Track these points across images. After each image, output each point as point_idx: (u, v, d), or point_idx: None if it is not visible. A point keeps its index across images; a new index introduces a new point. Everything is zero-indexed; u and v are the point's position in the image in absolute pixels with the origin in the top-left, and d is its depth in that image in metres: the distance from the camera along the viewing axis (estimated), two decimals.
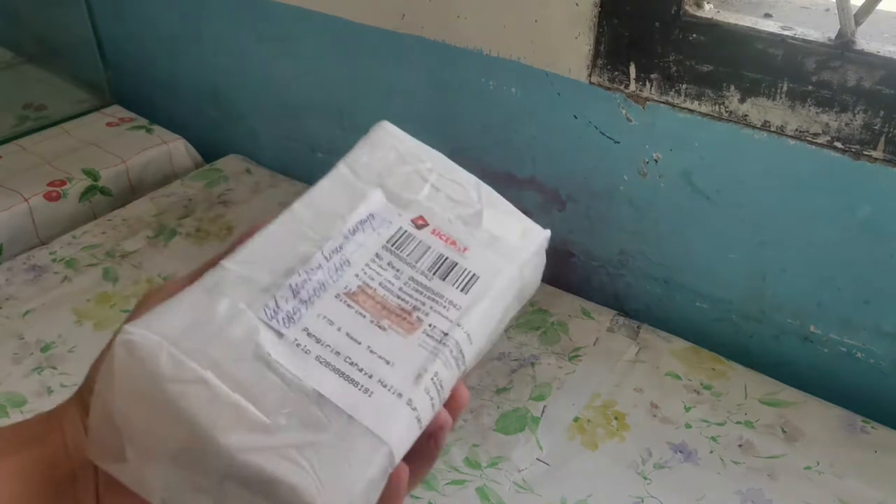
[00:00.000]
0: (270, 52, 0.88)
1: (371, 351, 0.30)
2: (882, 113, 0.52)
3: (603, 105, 0.65)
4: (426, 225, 0.35)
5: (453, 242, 0.35)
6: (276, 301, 0.29)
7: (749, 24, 0.55)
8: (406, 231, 0.34)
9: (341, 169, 0.35)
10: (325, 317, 0.30)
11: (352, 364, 0.29)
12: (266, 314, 0.29)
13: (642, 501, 0.53)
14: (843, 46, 0.52)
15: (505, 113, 0.71)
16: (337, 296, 0.31)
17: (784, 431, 0.59)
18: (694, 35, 0.57)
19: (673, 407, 0.61)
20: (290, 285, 0.30)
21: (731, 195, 0.62)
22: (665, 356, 0.66)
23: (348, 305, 0.31)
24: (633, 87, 0.62)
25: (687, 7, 0.57)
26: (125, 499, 0.29)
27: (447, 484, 0.54)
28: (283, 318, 0.29)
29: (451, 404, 0.31)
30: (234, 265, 0.30)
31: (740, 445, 0.58)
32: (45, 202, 0.84)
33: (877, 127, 0.53)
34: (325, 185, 0.34)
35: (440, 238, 0.35)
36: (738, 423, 0.59)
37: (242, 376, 0.27)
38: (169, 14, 0.97)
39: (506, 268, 0.36)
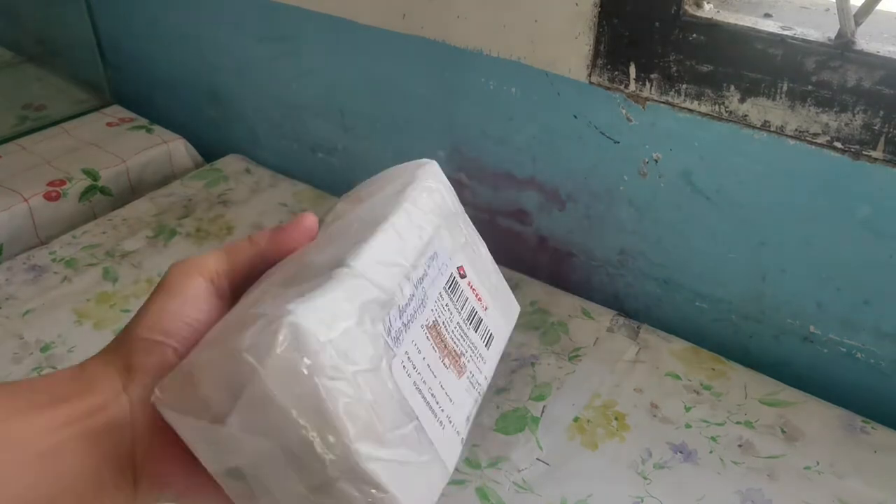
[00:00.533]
0: (270, 52, 0.88)
1: (441, 386, 0.32)
2: (882, 113, 0.52)
3: (603, 105, 0.65)
4: (465, 276, 0.37)
5: (479, 298, 0.37)
6: (390, 318, 0.30)
7: (749, 24, 0.55)
8: (455, 277, 0.36)
9: (406, 206, 0.35)
10: (415, 344, 0.31)
11: (432, 395, 0.31)
12: (384, 329, 0.30)
13: (642, 501, 0.53)
14: (842, 46, 0.52)
15: (505, 113, 0.71)
16: (422, 326, 0.32)
17: (784, 431, 0.59)
18: (694, 35, 0.57)
19: (673, 407, 0.61)
20: (399, 305, 0.31)
21: (731, 195, 0.62)
22: (665, 356, 0.66)
23: (427, 338, 0.32)
24: (633, 87, 0.62)
25: (687, 7, 0.57)
26: (163, 456, 0.30)
27: (447, 484, 0.54)
28: (393, 337, 0.30)
29: None
30: (364, 271, 0.30)
31: (740, 445, 0.58)
32: (45, 202, 0.84)
33: (876, 127, 0.53)
34: (401, 217, 0.34)
35: (473, 291, 0.37)
36: (737, 423, 0.59)
37: (372, 387, 0.28)
38: (169, 14, 0.97)
39: (506, 334, 0.38)
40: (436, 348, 0.32)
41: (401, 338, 0.30)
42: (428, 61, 0.74)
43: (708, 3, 0.58)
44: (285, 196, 0.88)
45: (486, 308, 0.37)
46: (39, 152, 0.92)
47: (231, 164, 0.95)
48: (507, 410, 0.60)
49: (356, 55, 0.79)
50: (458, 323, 0.34)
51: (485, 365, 0.35)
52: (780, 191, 0.60)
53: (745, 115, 0.58)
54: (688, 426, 0.59)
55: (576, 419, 0.60)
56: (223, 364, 0.27)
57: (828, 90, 0.53)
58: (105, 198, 0.89)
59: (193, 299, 0.32)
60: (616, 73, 0.62)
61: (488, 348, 0.36)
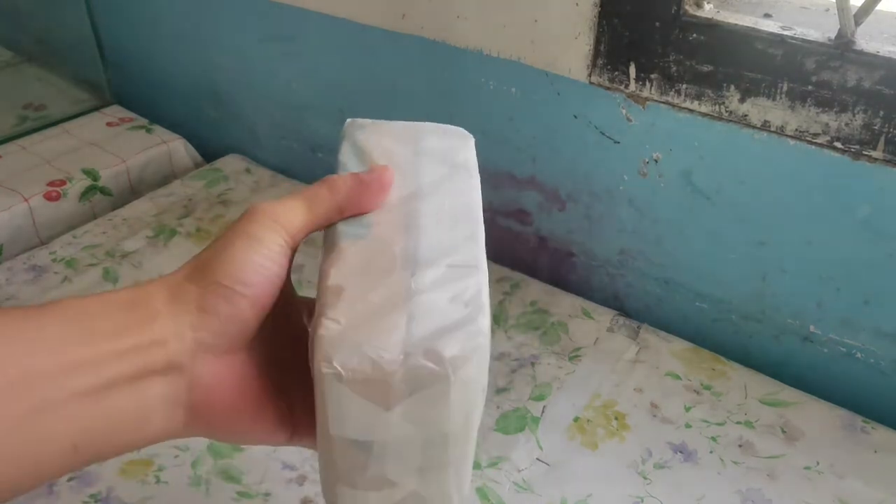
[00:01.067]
0: (271, 52, 0.88)
1: None
2: (882, 113, 0.52)
3: (603, 105, 0.65)
4: None
5: None
6: None
7: (749, 24, 0.55)
8: None
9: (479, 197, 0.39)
10: None
11: None
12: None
13: (642, 501, 0.53)
14: (842, 46, 0.52)
15: (505, 113, 0.71)
16: None
17: (784, 431, 0.59)
18: (694, 35, 0.57)
19: (673, 407, 0.61)
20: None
21: (731, 195, 0.62)
22: (665, 356, 0.66)
23: None
24: (633, 86, 0.62)
25: (687, 7, 0.57)
26: (218, 399, 0.31)
27: None
28: None
29: None
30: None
31: (740, 445, 0.58)
32: (45, 202, 0.84)
33: (877, 127, 0.53)
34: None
35: None
36: (738, 423, 0.59)
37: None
38: (169, 14, 0.97)
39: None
40: None
41: None
42: (428, 61, 0.74)
43: (708, 3, 0.58)
44: (285, 196, 0.88)
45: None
46: (39, 152, 0.92)
47: (231, 164, 0.95)
48: (507, 410, 0.60)
49: (356, 55, 0.79)
50: None
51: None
52: (781, 191, 0.60)
53: (745, 115, 0.58)
54: (688, 426, 0.59)
55: (576, 419, 0.60)
56: (417, 364, 0.29)
57: (828, 90, 0.53)
58: (105, 198, 0.89)
59: (276, 255, 0.32)
60: (616, 73, 0.62)
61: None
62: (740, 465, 0.56)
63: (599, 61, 0.63)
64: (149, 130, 0.98)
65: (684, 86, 0.59)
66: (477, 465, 0.55)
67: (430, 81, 0.75)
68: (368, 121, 0.43)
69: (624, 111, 0.64)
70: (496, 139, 0.73)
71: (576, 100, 0.66)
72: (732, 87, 0.57)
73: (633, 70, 0.61)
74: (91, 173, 0.89)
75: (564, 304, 0.72)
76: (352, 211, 0.35)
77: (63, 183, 0.86)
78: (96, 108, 1.03)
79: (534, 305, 0.72)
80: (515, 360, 0.65)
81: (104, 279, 0.74)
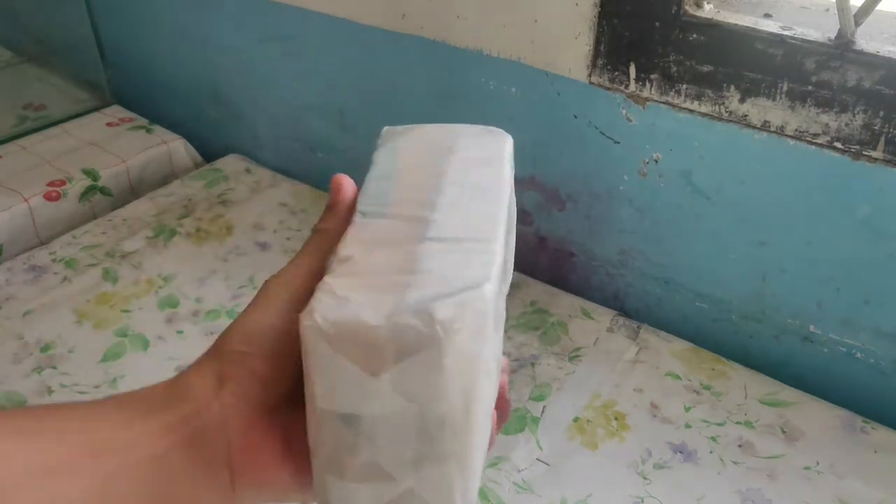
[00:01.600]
0: (271, 52, 0.88)
1: None
2: (882, 113, 0.52)
3: (603, 105, 0.65)
4: None
5: None
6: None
7: (749, 24, 0.55)
8: None
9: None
10: None
11: None
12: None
13: (642, 501, 0.53)
14: (842, 46, 0.52)
15: (505, 113, 0.71)
16: None
17: (784, 431, 0.59)
18: (694, 35, 0.57)
19: (673, 407, 0.61)
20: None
21: (731, 195, 0.62)
22: (665, 356, 0.66)
23: None
24: (633, 87, 0.62)
25: (687, 7, 0.57)
26: (257, 457, 0.32)
27: None
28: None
29: None
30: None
31: (740, 445, 0.58)
32: (45, 202, 0.84)
33: (877, 127, 0.53)
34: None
35: None
36: (737, 423, 0.59)
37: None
38: (169, 14, 0.97)
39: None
40: None
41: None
42: (428, 61, 0.74)
43: (708, 3, 0.58)
44: (285, 196, 0.88)
45: None
46: (39, 152, 0.92)
47: (231, 164, 0.95)
48: None
49: (356, 55, 0.79)
50: None
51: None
52: (781, 191, 0.60)
53: (746, 116, 0.58)
54: (688, 426, 0.59)
55: (576, 419, 0.60)
56: (403, 322, 0.27)
57: (828, 90, 0.53)
58: (105, 198, 0.89)
59: (283, 311, 0.33)
60: (616, 73, 0.62)
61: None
62: (740, 465, 0.56)
63: (599, 61, 0.63)
64: (149, 130, 0.98)
65: (684, 86, 0.59)
66: None
67: (430, 81, 0.75)
68: (403, 127, 0.42)
69: (624, 111, 0.64)
70: None
71: (576, 100, 0.66)
72: (732, 88, 0.57)
73: (633, 70, 0.61)
74: (91, 173, 0.89)
75: (564, 304, 0.72)
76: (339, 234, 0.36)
77: (63, 183, 0.86)
78: (96, 108, 1.03)
79: (534, 305, 0.72)
80: (515, 360, 0.65)
81: (104, 279, 0.74)
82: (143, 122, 1.00)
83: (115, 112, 1.03)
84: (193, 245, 0.80)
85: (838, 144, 0.55)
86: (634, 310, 0.74)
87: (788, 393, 0.62)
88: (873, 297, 0.60)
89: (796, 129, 0.56)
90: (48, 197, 0.84)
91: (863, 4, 0.52)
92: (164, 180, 0.94)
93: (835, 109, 0.54)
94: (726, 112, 0.58)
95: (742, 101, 0.57)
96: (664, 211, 0.67)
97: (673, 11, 0.57)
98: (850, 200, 0.57)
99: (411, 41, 0.73)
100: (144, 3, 0.99)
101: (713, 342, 0.68)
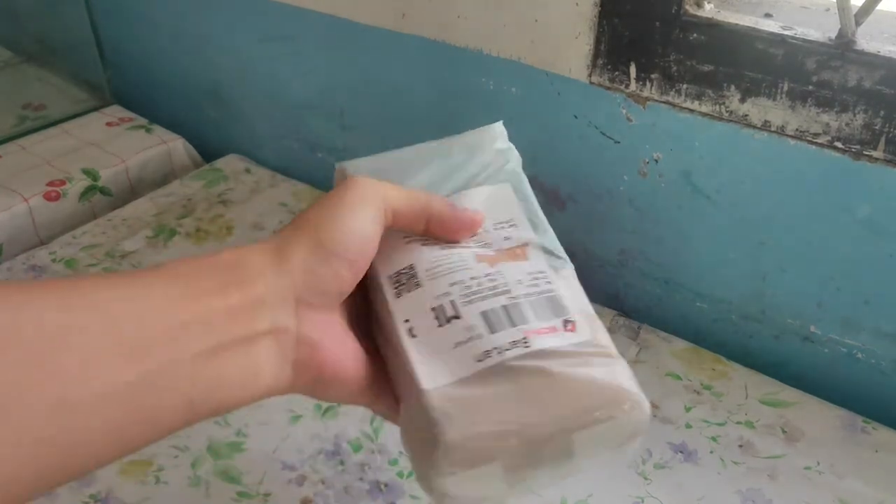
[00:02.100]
0: (271, 52, 0.88)
1: None
2: (882, 113, 0.52)
3: (603, 105, 0.65)
4: None
5: None
6: None
7: (749, 24, 0.55)
8: None
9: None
10: None
11: None
12: None
13: (642, 501, 0.53)
14: (843, 46, 0.52)
15: (505, 113, 0.71)
16: None
17: (784, 431, 0.59)
18: (694, 35, 0.57)
19: (673, 407, 0.61)
20: None
21: (731, 195, 0.62)
22: (665, 356, 0.66)
23: None
24: (633, 86, 0.62)
25: (687, 7, 0.57)
26: (323, 354, 0.33)
27: None
28: None
29: None
30: None
31: (740, 445, 0.58)
32: (45, 202, 0.84)
33: (877, 127, 0.53)
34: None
35: None
36: (738, 423, 0.59)
37: None
38: (169, 14, 0.97)
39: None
40: None
41: None
42: (428, 61, 0.74)
43: (708, 2, 0.58)
44: (285, 196, 0.88)
45: None
46: (39, 152, 0.92)
47: (231, 163, 0.95)
48: None
49: (356, 55, 0.79)
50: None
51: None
52: (781, 191, 0.60)
53: (746, 115, 0.58)
54: (688, 426, 0.59)
55: None
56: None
57: (828, 90, 0.53)
58: (105, 198, 0.89)
59: (374, 223, 0.34)
60: (616, 73, 0.62)
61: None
62: (740, 465, 0.56)
63: (599, 61, 0.63)
64: (148, 130, 0.98)
65: (685, 86, 0.59)
66: None
67: (430, 81, 0.75)
68: (366, 159, 0.44)
69: (624, 111, 0.64)
70: None
71: (576, 100, 0.66)
72: (733, 87, 0.57)
73: (633, 70, 0.61)
74: (91, 173, 0.89)
75: None
76: (435, 230, 0.37)
77: (63, 183, 0.86)
78: (96, 108, 1.03)
79: None
80: None
81: None
82: (143, 121, 1.00)
83: (115, 112, 1.03)
84: (193, 245, 0.80)
85: (839, 144, 0.55)
86: (634, 310, 0.74)
87: (789, 393, 0.62)
88: (874, 297, 0.60)
89: (797, 129, 0.56)
90: (48, 197, 0.84)
91: (863, 4, 0.52)
92: (164, 180, 0.94)
93: (835, 109, 0.54)
94: (727, 112, 0.58)
95: (742, 100, 0.57)
96: (664, 211, 0.66)
97: (673, 11, 0.57)
98: (850, 200, 0.57)
99: (411, 41, 0.73)
100: (144, 3, 0.99)
101: (713, 342, 0.68)
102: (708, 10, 0.57)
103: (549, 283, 0.37)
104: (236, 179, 0.91)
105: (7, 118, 1.00)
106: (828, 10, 0.60)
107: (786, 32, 0.54)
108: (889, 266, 0.57)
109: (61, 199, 0.85)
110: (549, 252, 0.40)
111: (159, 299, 0.29)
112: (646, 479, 0.55)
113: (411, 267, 0.36)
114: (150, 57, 1.04)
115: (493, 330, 0.33)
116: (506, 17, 0.66)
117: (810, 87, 0.54)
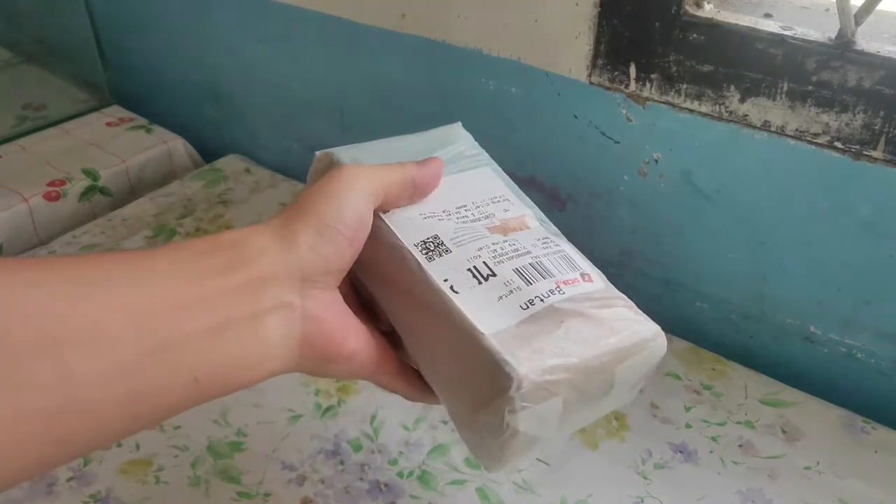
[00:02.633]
0: (271, 52, 0.88)
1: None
2: (882, 113, 0.52)
3: (603, 105, 0.65)
4: None
5: None
6: None
7: (749, 24, 0.55)
8: None
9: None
10: None
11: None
12: None
13: (642, 501, 0.53)
14: (843, 46, 0.52)
15: (505, 113, 0.71)
16: None
17: (784, 431, 0.59)
18: (694, 35, 0.57)
19: (673, 407, 0.61)
20: None
21: (731, 195, 0.62)
22: (665, 356, 0.65)
23: None
24: (633, 87, 0.62)
25: (687, 7, 0.57)
26: (327, 329, 0.34)
27: (447, 484, 0.54)
28: None
29: None
30: None
31: (740, 445, 0.58)
32: (45, 202, 0.84)
33: (877, 127, 0.53)
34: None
35: None
36: (738, 423, 0.59)
37: None
38: (169, 14, 0.97)
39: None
40: None
41: None
42: (428, 61, 0.74)
43: (708, 2, 0.58)
44: (285, 196, 0.88)
45: None
46: (39, 152, 0.92)
47: (231, 164, 0.95)
48: None
49: (356, 55, 0.79)
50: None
51: None
52: (781, 191, 0.60)
53: (746, 115, 0.58)
54: (688, 426, 0.59)
55: None
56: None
57: (828, 90, 0.53)
58: (105, 198, 0.89)
59: (368, 200, 0.36)
60: (616, 73, 0.62)
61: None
62: (740, 465, 0.56)
63: (599, 61, 0.63)
64: (149, 130, 0.98)
65: (684, 86, 0.59)
66: (477, 466, 0.55)
67: (430, 81, 0.75)
68: (349, 147, 0.47)
69: (624, 111, 0.64)
70: (496, 139, 0.73)
71: (576, 100, 0.66)
72: (733, 87, 0.57)
73: (633, 70, 0.61)
74: (91, 173, 0.89)
75: None
76: (419, 194, 0.40)
77: (63, 183, 0.86)
78: (96, 108, 1.03)
79: None
80: None
81: None
82: (143, 121, 1.00)
83: (115, 112, 1.03)
84: None
85: (839, 144, 0.55)
86: None
87: (789, 393, 0.62)
88: (874, 297, 0.60)
89: (796, 129, 0.56)
90: (48, 197, 0.84)
91: (863, 4, 0.52)
92: (164, 180, 0.94)
93: (835, 109, 0.54)
94: (726, 112, 0.58)
95: (742, 100, 0.57)
96: (664, 211, 0.66)
97: (673, 11, 0.57)
98: (850, 200, 0.57)
99: (411, 41, 0.73)
100: (144, 4, 0.99)
101: (713, 342, 0.68)
102: (708, 11, 0.57)
103: (558, 245, 0.42)
104: (236, 179, 0.91)
105: (7, 118, 1.00)
106: (828, 10, 0.60)
107: (786, 32, 0.54)
108: (889, 266, 0.57)
109: (61, 199, 0.85)
110: (543, 221, 0.44)
111: (164, 277, 0.29)
112: (646, 479, 0.55)
113: (436, 237, 0.39)
114: (150, 57, 1.04)
115: (529, 282, 0.37)
116: (506, 17, 0.66)
117: (810, 88, 0.54)
